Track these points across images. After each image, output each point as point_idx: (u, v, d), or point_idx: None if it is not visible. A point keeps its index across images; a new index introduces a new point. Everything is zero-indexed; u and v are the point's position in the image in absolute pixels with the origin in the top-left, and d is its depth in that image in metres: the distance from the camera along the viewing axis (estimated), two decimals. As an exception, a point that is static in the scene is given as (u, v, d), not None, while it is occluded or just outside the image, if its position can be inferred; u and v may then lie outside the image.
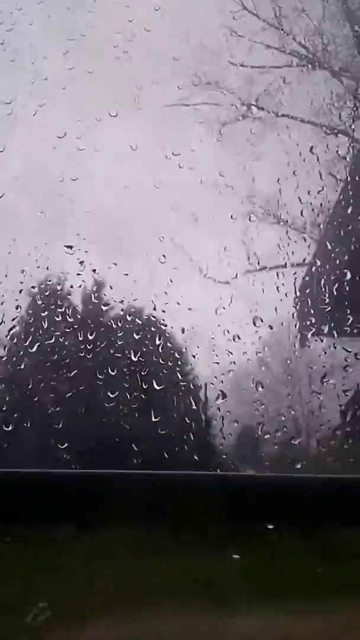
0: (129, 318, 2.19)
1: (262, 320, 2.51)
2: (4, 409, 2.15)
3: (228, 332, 2.40)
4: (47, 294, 2.34)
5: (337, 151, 2.69)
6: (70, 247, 2.27)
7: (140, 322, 2.16)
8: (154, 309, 2.36)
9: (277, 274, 2.64)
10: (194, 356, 2.38)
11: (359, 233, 2.73)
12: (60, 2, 2.50)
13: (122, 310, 2.28)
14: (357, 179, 2.75)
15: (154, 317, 2.31)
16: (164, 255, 2.49)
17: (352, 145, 2.73)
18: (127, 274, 2.40)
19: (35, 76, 2.45)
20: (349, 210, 2.73)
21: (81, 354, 2.14)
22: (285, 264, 2.53)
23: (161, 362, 2.19)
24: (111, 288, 2.42)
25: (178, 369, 2.23)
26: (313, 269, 2.75)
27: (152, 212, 2.75)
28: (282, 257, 2.70)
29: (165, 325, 2.34)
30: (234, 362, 2.35)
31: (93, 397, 2.16)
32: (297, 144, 2.71)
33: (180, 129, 2.91)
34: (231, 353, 2.37)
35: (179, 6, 2.69)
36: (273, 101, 2.86)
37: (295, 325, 2.67)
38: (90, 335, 2.14)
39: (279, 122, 2.81)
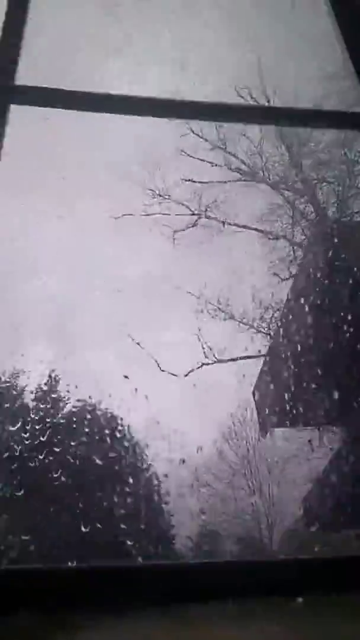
0: (83, 414, 2.22)
1: (220, 412, 2.58)
2: None
3: (182, 426, 2.42)
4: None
5: (277, 253, 2.95)
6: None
7: (93, 417, 2.19)
8: (108, 402, 2.39)
9: (233, 366, 2.75)
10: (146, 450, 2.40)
11: (308, 329, 2.91)
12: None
13: (75, 406, 2.30)
14: (301, 279, 3.01)
15: (109, 411, 2.35)
16: (122, 351, 2.59)
17: (293, 248, 3.01)
18: (82, 367, 2.42)
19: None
20: (297, 308, 2.94)
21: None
22: (237, 357, 2.66)
23: (117, 458, 2.20)
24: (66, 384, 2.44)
25: (133, 461, 2.23)
26: (267, 363, 2.88)
27: (110, 308, 2.87)
28: (234, 350, 2.83)
29: (122, 419, 2.36)
30: (188, 457, 2.36)
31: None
32: (243, 249, 2.98)
33: (138, 235, 3.14)
34: (188, 446, 2.39)
35: (133, 129, 3.05)
36: (220, 210, 3.17)
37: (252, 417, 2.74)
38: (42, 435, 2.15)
39: (226, 229, 3.10)
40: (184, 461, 2.30)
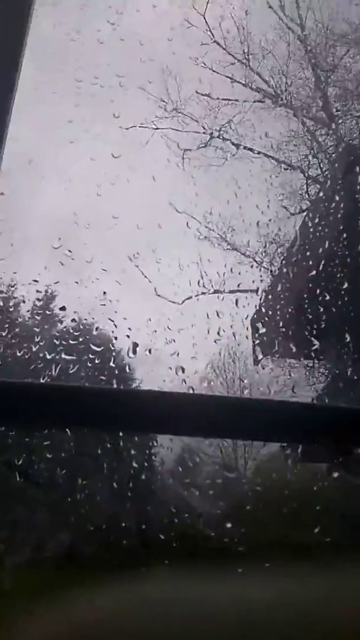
0: (77, 333, 2.13)
1: (215, 342, 2.55)
2: None
3: (178, 355, 2.39)
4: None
5: (292, 186, 2.81)
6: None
7: (89, 337, 2.11)
8: (103, 324, 2.33)
9: (235, 300, 2.70)
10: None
11: (314, 267, 2.85)
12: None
13: (72, 321, 2.22)
14: (312, 215, 2.89)
15: (103, 332, 2.28)
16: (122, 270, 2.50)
17: (307, 182, 2.87)
18: (76, 282, 2.29)
19: None
20: (307, 247, 2.85)
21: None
22: (236, 290, 2.60)
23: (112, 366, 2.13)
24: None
25: (127, 373, 2.18)
26: (267, 297, 2.84)
27: (111, 226, 2.74)
28: (234, 282, 2.77)
29: (115, 340, 2.30)
30: (184, 381, 2.34)
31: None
32: (255, 176, 2.83)
33: (145, 150, 2.96)
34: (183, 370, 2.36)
35: (149, 34, 2.77)
36: (235, 133, 2.97)
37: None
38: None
39: (239, 153, 2.92)
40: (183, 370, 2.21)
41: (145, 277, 2.75)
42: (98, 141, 2.39)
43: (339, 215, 2.54)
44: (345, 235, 2.50)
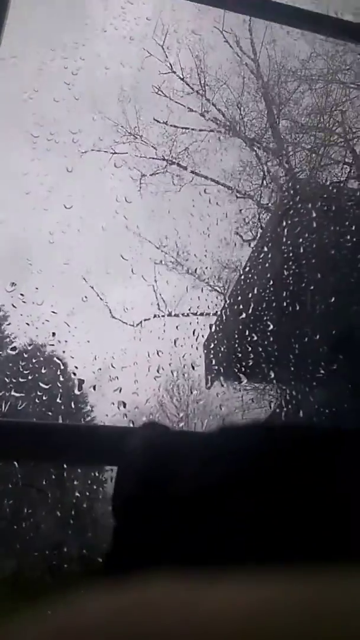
0: (27, 371, 2.20)
1: (169, 365, 2.58)
2: None
3: (135, 376, 2.41)
4: None
5: (245, 214, 2.92)
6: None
7: (38, 375, 2.18)
8: (55, 345, 2.35)
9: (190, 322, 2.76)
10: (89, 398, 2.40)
11: (263, 292, 2.94)
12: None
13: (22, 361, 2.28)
14: (263, 242, 3.00)
15: (54, 353, 2.31)
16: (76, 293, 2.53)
17: (259, 210, 2.98)
18: (27, 324, 2.38)
19: None
20: (256, 272, 2.94)
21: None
22: (189, 312, 2.65)
23: (59, 402, 2.18)
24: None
25: (75, 410, 2.23)
26: (220, 320, 2.91)
27: (66, 248, 2.77)
28: (189, 306, 2.83)
29: (65, 363, 2.33)
30: (137, 408, 2.37)
31: None
32: (209, 202, 2.92)
33: (102, 174, 3.00)
34: (136, 394, 2.39)
35: (107, 62, 2.85)
36: (191, 160, 3.06)
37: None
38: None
39: (194, 180, 3.01)
40: (124, 405, 2.29)
41: (102, 299, 2.77)
42: (52, 193, 2.53)
43: (289, 242, 2.65)
44: (291, 262, 2.61)
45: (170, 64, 3.42)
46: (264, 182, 3.12)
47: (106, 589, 0.21)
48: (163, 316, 2.91)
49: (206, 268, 2.95)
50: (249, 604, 0.18)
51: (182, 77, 3.44)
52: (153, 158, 3.13)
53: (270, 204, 3.03)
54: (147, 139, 3.13)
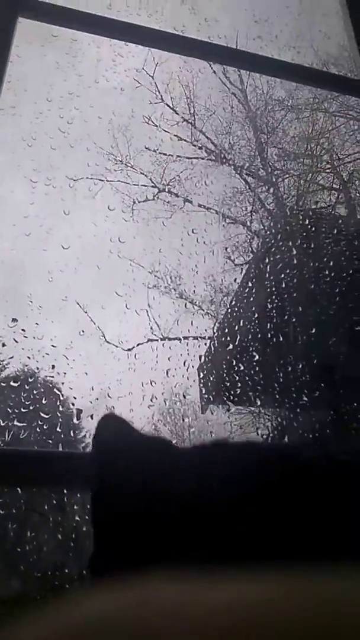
0: (28, 402, 2.24)
1: (162, 393, 2.59)
2: None
3: (130, 403, 2.43)
4: None
5: (236, 239, 2.97)
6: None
7: (38, 405, 2.22)
8: (49, 371, 2.38)
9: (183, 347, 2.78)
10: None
11: (254, 317, 2.98)
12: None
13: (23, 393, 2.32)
14: (254, 267, 3.05)
15: (48, 379, 2.34)
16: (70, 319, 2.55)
17: (249, 236, 3.04)
18: (28, 357, 2.44)
19: None
20: (248, 296, 2.99)
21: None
22: (180, 337, 2.68)
23: (59, 431, 2.22)
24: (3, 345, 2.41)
25: (74, 438, 2.26)
26: (212, 345, 2.94)
27: (64, 285, 2.84)
28: (181, 329, 2.85)
29: (60, 389, 2.36)
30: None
31: None
32: (201, 228, 2.97)
33: (98, 217, 3.08)
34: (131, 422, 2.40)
35: (95, 92, 2.93)
36: (182, 187, 3.12)
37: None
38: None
39: (185, 207, 3.07)
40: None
41: (95, 324, 2.78)
42: (50, 234, 2.64)
43: (277, 268, 2.70)
44: (280, 288, 2.66)
45: (160, 93, 3.52)
46: (254, 207, 3.19)
47: (105, 589, 0.21)
48: (156, 340, 2.94)
49: (200, 292, 3.00)
50: (247, 604, 0.18)
51: (171, 106, 3.53)
52: (144, 185, 3.20)
53: (260, 230, 3.09)
54: (138, 166, 3.21)
